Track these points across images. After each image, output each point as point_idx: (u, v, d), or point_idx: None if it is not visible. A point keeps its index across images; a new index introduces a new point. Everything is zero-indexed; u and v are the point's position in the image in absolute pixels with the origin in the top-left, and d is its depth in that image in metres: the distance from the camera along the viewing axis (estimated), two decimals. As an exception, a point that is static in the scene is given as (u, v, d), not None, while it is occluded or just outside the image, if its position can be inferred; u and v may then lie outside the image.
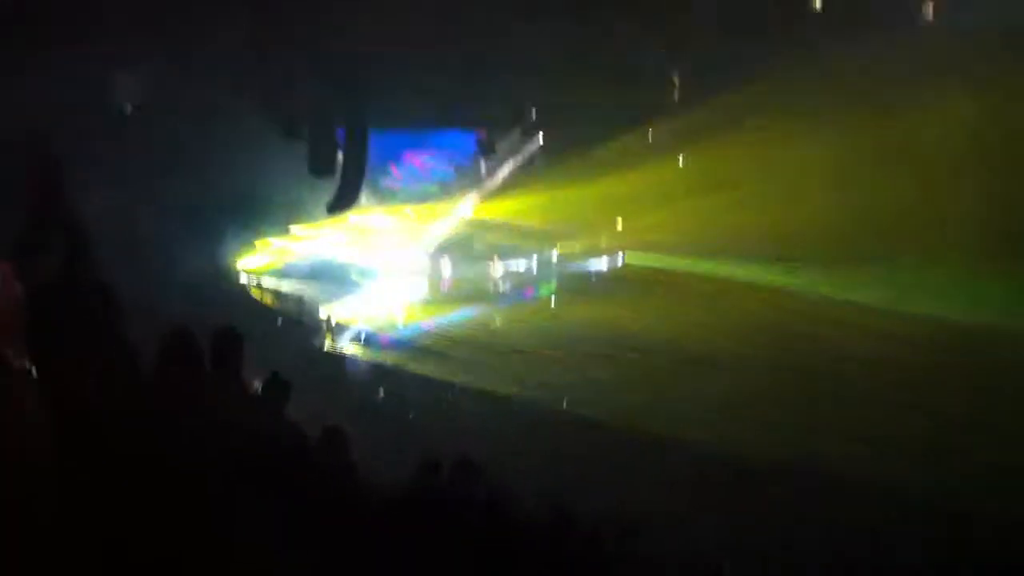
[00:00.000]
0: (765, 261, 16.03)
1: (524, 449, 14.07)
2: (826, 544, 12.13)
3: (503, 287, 19.19)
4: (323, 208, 15.63)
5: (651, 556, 9.61)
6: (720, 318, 16.23)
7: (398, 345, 18.15)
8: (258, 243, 17.44)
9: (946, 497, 11.76)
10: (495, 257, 18.95)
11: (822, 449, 13.19)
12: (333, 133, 14.38)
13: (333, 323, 18.15)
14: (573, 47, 13.32)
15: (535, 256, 19.23)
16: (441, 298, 18.84)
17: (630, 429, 14.64)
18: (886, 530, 12.07)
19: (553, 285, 19.21)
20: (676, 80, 15.02)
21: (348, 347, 18.20)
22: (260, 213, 16.11)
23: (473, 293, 18.92)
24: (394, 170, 17.66)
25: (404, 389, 17.22)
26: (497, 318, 18.84)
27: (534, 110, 16.50)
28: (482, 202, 18.29)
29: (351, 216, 17.13)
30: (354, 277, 18.44)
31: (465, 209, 18.41)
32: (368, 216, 17.91)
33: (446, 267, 18.88)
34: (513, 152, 17.60)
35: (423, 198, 18.37)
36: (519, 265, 19.25)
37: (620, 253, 18.73)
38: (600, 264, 18.95)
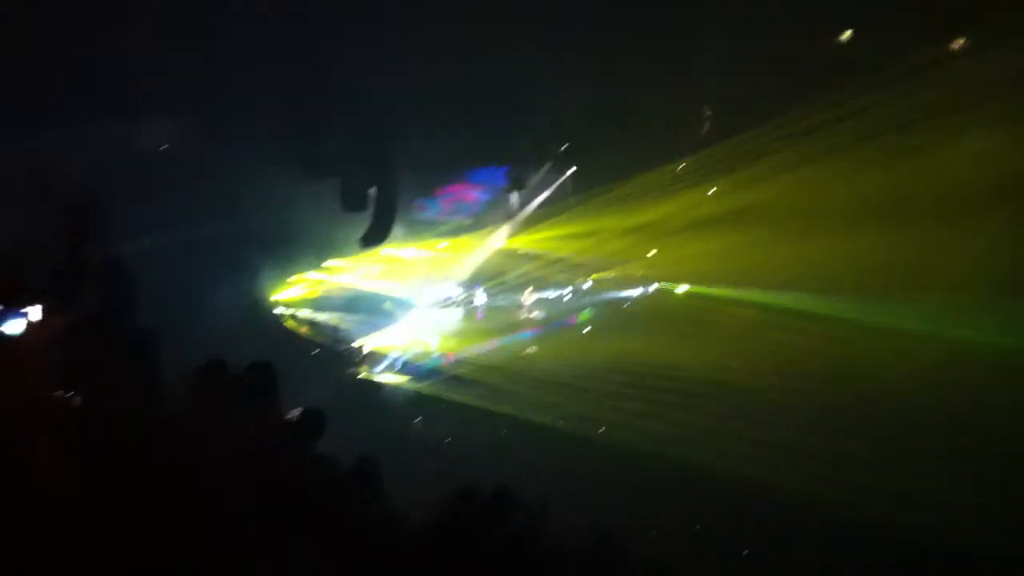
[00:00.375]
0: (798, 291, 15.97)
1: (559, 478, 14.01)
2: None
3: (537, 317, 19.24)
4: (357, 242, 15.85)
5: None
6: (752, 347, 16.17)
7: (432, 374, 18.22)
8: (294, 277, 17.70)
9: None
10: (528, 288, 19.02)
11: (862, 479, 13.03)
12: (365, 170, 14.59)
13: (368, 353, 18.28)
14: (604, 84, 13.45)
15: (568, 287, 19.29)
16: (475, 328, 18.92)
17: (662, 458, 14.54)
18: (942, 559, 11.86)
19: (587, 315, 19.24)
20: (708, 114, 15.12)
21: (383, 376, 18.30)
22: (295, 248, 16.34)
23: (507, 323, 18.99)
24: (427, 204, 17.86)
25: (439, 418, 17.26)
26: (531, 347, 18.88)
27: (565, 145, 16.65)
28: (515, 234, 18.43)
29: (384, 249, 17.33)
30: (388, 308, 18.59)
31: (498, 241, 18.55)
32: (401, 249, 18.12)
33: (480, 298, 18.98)
34: (545, 185, 17.76)
35: (456, 231, 18.55)
36: (552, 295, 19.30)
37: (654, 283, 18.74)
38: (633, 294, 18.96)
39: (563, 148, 17.07)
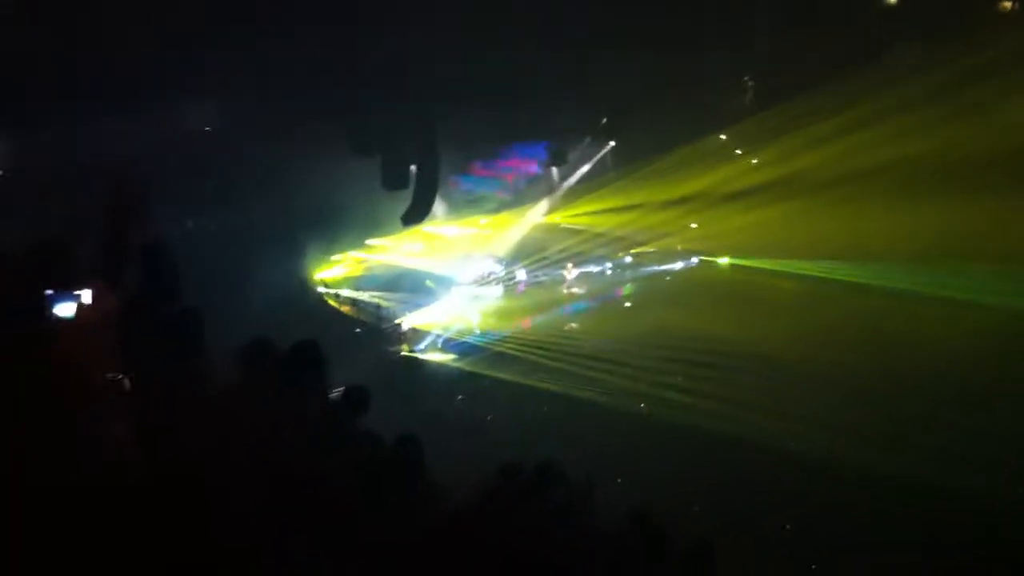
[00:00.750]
0: (842, 262, 15.79)
1: (601, 454, 14.02)
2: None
3: (578, 292, 19.22)
4: (399, 220, 15.92)
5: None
6: (795, 320, 16.00)
7: (474, 351, 18.29)
8: (337, 256, 17.84)
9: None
10: (569, 263, 18.99)
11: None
12: (406, 148, 14.63)
13: (410, 331, 18.39)
14: (643, 56, 13.33)
15: (609, 261, 19.23)
16: (516, 304, 18.94)
17: (704, 433, 14.49)
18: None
19: (628, 289, 19.18)
20: (750, 83, 14.94)
21: (425, 354, 18.42)
22: (338, 228, 16.45)
23: (548, 299, 19.00)
24: (467, 181, 17.88)
25: (481, 395, 17.34)
26: (572, 323, 18.87)
27: (604, 119, 16.55)
28: (555, 209, 18.40)
29: (426, 227, 17.40)
30: (430, 286, 18.68)
31: (538, 216, 18.53)
32: (443, 227, 18.17)
33: (521, 274, 18.99)
34: (585, 160, 17.69)
35: (497, 207, 18.56)
36: (593, 270, 19.26)
37: (695, 256, 18.62)
38: (675, 267, 18.87)
39: (603, 122, 16.96)
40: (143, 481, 3.72)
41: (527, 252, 18.99)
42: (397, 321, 18.38)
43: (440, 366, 18.22)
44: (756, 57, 14.36)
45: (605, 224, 18.42)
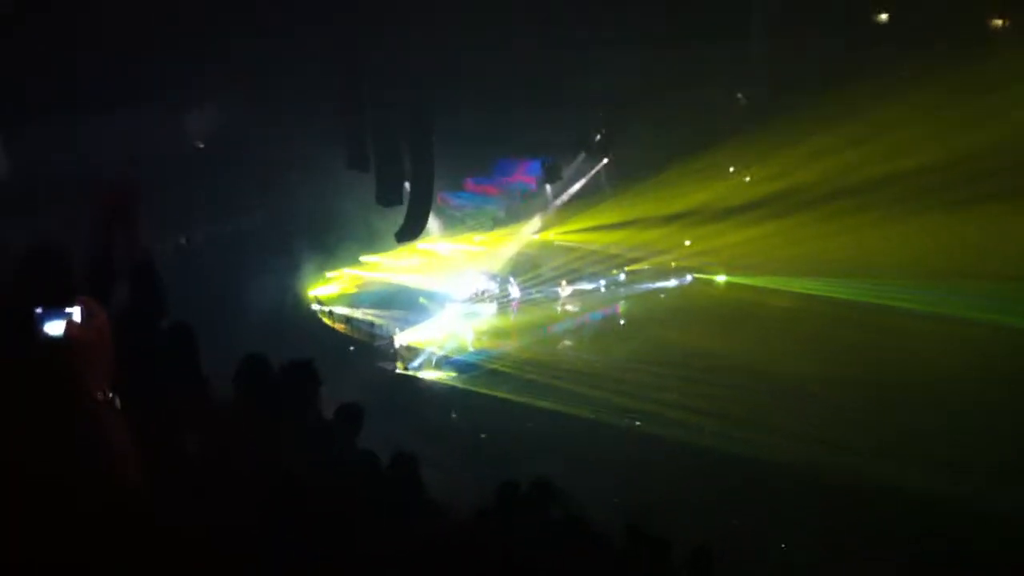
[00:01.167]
0: (836, 279, 15.81)
1: (596, 471, 13.97)
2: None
3: (572, 309, 19.20)
4: (393, 237, 15.90)
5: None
6: (790, 336, 16.00)
7: (468, 368, 18.24)
8: (331, 273, 17.80)
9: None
10: (563, 281, 18.98)
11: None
12: (400, 164, 14.62)
13: (404, 348, 18.34)
14: (637, 74, 13.36)
15: (603, 278, 19.22)
16: (510, 321, 18.91)
17: (699, 449, 14.45)
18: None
19: (622, 307, 19.17)
20: (742, 100, 14.98)
21: (419, 371, 18.36)
22: (332, 244, 16.43)
23: (542, 316, 18.97)
24: (461, 198, 17.89)
25: (475, 412, 17.28)
26: (566, 340, 18.84)
27: (599, 135, 16.58)
28: (549, 226, 18.41)
29: (420, 244, 17.37)
30: (424, 303, 18.65)
31: (533, 234, 18.53)
32: (437, 243, 18.16)
33: (515, 291, 18.97)
34: (579, 177, 17.72)
35: (491, 224, 18.56)
36: (587, 287, 19.25)
37: (688, 274, 18.63)
38: (669, 284, 18.87)
39: (597, 139, 17.00)
40: (134, 500, 3.66)
41: (521, 269, 18.97)
42: (391, 338, 18.32)
43: (434, 383, 18.17)
44: (750, 73, 14.40)
45: (599, 241, 18.43)
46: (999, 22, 13.08)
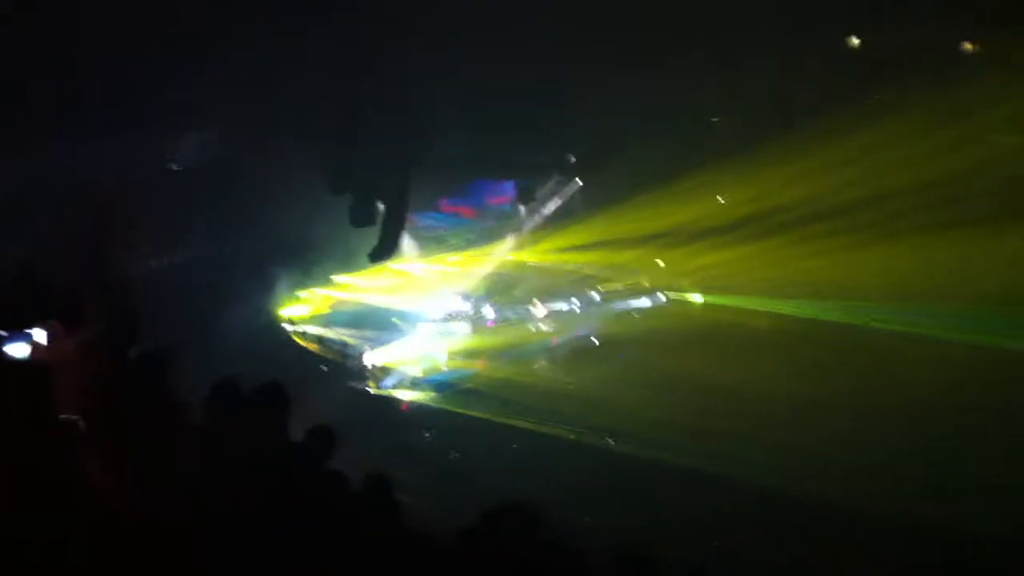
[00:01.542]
0: (815, 300, 15.91)
1: (572, 490, 13.93)
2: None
3: (546, 330, 19.18)
4: (366, 257, 15.83)
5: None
6: (767, 357, 16.05)
7: (442, 388, 18.17)
8: (303, 293, 17.69)
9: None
10: (536, 300, 18.97)
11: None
12: (373, 184, 14.58)
13: (377, 368, 18.25)
14: (612, 94, 13.41)
15: (578, 299, 19.22)
16: (484, 342, 18.87)
17: (678, 469, 14.44)
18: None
19: (596, 326, 19.16)
20: (718, 123, 15.08)
21: (393, 391, 18.27)
22: (304, 264, 16.35)
23: (516, 336, 18.93)
24: (435, 218, 17.86)
25: (449, 432, 17.21)
26: (541, 360, 18.81)
27: (572, 157, 16.64)
28: (523, 247, 18.41)
29: (393, 264, 17.31)
30: (397, 323, 18.57)
31: (506, 254, 18.52)
32: (410, 264, 18.10)
33: (489, 311, 18.93)
34: (553, 197, 17.75)
35: (464, 245, 18.53)
36: (562, 308, 19.23)
37: (664, 294, 18.67)
38: (644, 304, 18.89)
39: (572, 159, 17.05)
40: (103, 524, 3.59)
41: (495, 289, 18.95)
42: (364, 359, 18.22)
43: (407, 403, 18.08)
44: (728, 95, 14.47)
45: (574, 261, 18.44)
46: (973, 47, 13.22)
